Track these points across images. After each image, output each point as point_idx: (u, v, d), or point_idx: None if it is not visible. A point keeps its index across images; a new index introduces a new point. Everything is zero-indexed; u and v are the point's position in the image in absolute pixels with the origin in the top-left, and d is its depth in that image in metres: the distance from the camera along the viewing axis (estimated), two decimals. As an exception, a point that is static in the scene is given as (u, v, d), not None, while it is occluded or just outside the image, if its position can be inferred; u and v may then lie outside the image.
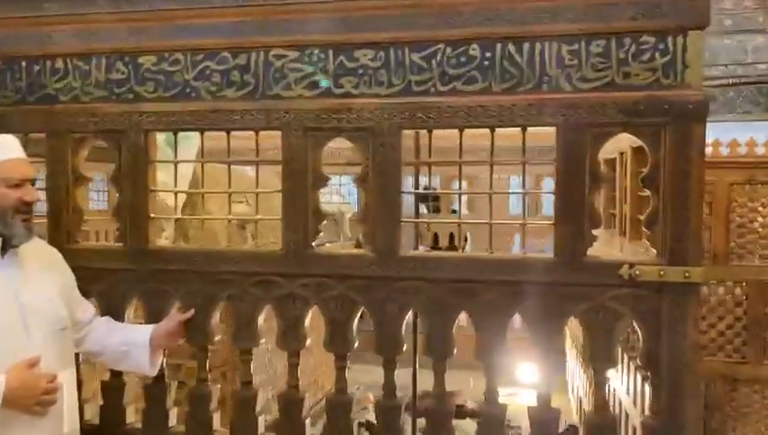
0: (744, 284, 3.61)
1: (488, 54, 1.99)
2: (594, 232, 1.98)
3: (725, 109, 9.77)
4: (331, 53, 2.09)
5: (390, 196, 2.06)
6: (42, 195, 2.12)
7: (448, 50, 2.01)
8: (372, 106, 2.06)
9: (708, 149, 3.65)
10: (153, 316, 2.23)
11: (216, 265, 2.19)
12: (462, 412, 5.19)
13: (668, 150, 1.88)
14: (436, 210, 7.29)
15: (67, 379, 1.97)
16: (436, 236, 7.32)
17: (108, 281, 2.26)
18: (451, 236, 7.35)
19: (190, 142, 3.18)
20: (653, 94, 1.89)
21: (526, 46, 1.97)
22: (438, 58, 2.02)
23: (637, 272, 1.90)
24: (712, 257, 3.66)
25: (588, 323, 1.95)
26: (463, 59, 2.01)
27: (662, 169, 1.89)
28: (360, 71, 2.08)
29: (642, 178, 1.93)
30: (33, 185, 1.88)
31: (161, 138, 2.60)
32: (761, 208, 3.58)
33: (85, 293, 2.20)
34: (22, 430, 1.79)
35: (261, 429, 2.22)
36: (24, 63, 2.33)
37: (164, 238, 3.94)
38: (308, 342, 2.18)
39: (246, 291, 2.16)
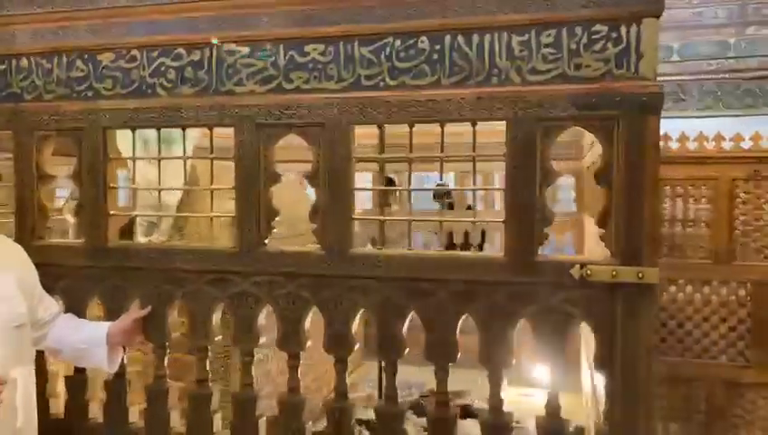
0: (748, 284, 3.45)
1: (437, 47, 1.93)
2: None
3: (762, 101, 9.40)
4: (281, 47, 2.06)
5: (341, 192, 2.02)
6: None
7: (397, 43, 1.96)
8: (322, 101, 2.02)
9: (711, 144, 3.49)
10: (113, 314, 2.23)
11: (172, 263, 2.18)
12: (467, 413, 5.10)
13: (621, 144, 1.79)
14: (450, 207, 7.23)
15: (22, 375, 1.98)
16: (451, 235, 7.25)
17: (70, 278, 2.28)
18: (466, 235, 7.27)
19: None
20: (605, 86, 1.80)
21: (475, 38, 1.90)
22: (387, 51, 1.97)
23: (588, 272, 1.82)
24: (714, 256, 3.50)
25: (538, 326, 1.88)
26: (412, 52, 1.95)
27: (615, 163, 1.81)
28: (311, 65, 2.04)
29: (595, 173, 1.85)
30: None
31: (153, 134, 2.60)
32: (766, 206, 3.40)
33: (49, 289, 2.22)
34: None
35: (217, 427, 2.21)
36: (-9, 62, 2.36)
37: (156, 235, 3.98)
38: (262, 340, 2.15)
39: (201, 289, 2.15)
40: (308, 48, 2.04)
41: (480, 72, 1.90)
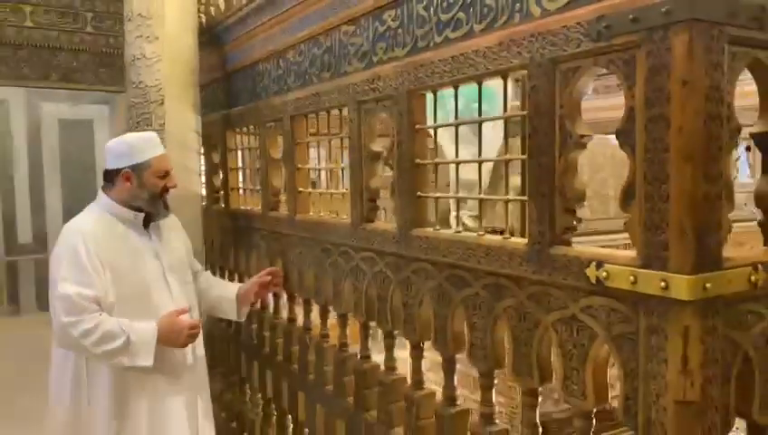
0: None
1: (460, -13, 1.61)
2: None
3: None
4: (371, 20, 2.02)
5: (407, 168, 1.88)
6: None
7: (441, -8, 1.71)
8: (390, 71, 1.91)
9: None
10: (300, 274, 2.59)
11: (324, 235, 2.38)
12: None
13: (641, 86, 1.18)
14: None
15: None
16: None
17: (281, 242, 2.73)
18: None
19: (495, 102, 2.75)
20: (621, 1, 1.21)
21: (497, -33, 1.51)
22: (435, 4, 1.73)
23: (604, 274, 1.27)
24: None
25: (560, 341, 1.40)
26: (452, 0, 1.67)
27: (636, 116, 1.20)
28: (388, 34, 1.95)
29: (616, 131, 1.26)
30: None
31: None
32: None
33: (271, 251, 2.74)
34: (166, 365, 2.29)
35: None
36: (249, 71, 2.98)
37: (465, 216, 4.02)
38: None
39: (336, 260, 2.30)
40: (385, 16, 1.95)
41: (505, 10, 1.51)
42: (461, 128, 1.77)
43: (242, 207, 3.23)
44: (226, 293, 2.60)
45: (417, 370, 1.95)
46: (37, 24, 7.92)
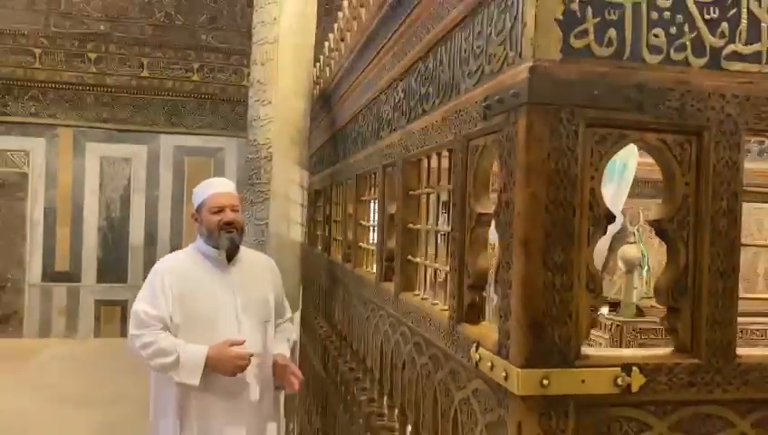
0: None
1: (437, 63, 1.66)
2: None
3: None
4: (391, 90, 2.13)
5: (402, 233, 1.93)
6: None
7: (422, 68, 1.78)
8: (396, 139, 1.99)
9: None
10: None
11: (362, 289, 2.49)
12: None
13: (503, 171, 1.16)
14: None
15: (267, 361, 2.60)
16: None
17: (347, 295, 2.87)
18: None
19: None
20: (497, 82, 1.21)
21: (449, 44, 1.56)
22: (418, 79, 1.81)
23: (478, 356, 1.23)
24: None
25: (462, 422, 1.36)
26: (425, 76, 1.73)
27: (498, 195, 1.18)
28: (400, 103, 2.04)
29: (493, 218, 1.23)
30: (236, 211, 2.54)
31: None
32: None
33: (345, 304, 2.91)
34: (227, 393, 2.48)
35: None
36: (342, 132, 3.21)
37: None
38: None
39: (369, 316, 2.39)
40: (399, 87, 2.04)
41: (449, 86, 1.54)
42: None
43: (333, 259, 3.45)
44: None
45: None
46: (253, 83, 9.12)
